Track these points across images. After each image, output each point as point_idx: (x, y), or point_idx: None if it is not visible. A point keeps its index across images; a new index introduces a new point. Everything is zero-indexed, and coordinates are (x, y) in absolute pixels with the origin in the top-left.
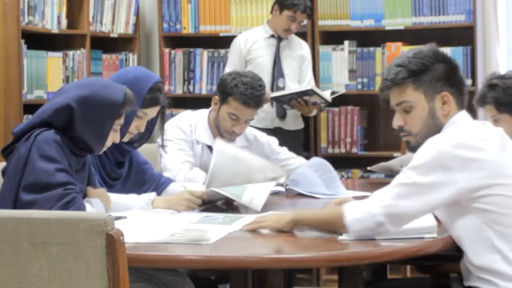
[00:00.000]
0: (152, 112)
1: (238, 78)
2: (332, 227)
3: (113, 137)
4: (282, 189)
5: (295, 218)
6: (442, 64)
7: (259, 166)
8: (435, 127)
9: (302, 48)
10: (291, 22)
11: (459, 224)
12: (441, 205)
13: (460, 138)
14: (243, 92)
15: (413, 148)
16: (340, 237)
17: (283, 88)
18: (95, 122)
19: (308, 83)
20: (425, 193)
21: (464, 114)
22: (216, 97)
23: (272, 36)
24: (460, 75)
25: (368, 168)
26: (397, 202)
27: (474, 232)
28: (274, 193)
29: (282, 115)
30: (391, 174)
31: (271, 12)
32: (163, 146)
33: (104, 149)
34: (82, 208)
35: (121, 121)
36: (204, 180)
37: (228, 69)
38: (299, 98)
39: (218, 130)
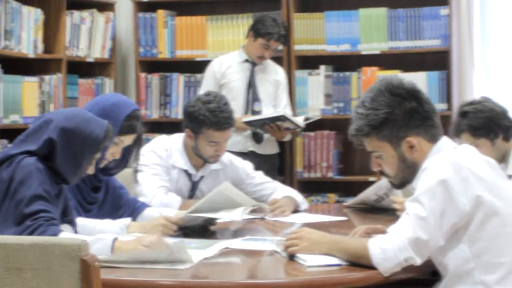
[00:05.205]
0: (128, 139)
1: (203, 107)
2: (363, 262)
3: (88, 169)
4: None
5: (330, 248)
6: (401, 106)
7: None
8: (409, 169)
9: (278, 73)
10: (265, 50)
11: (447, 251)
12: (452, 229)
13: (454, 157)
14: (213, 120)
15: (397, 187)
16: (304, 263)
17: (259, 112)
18: (74, 156)
19: (284, 107)
20: (438, 221)
21: (445, 142)
22: (188, 130)
23: (247, 60)
24: (424, 109)
25: (345, 205)
26: (420, 234)
27: (460, 261)
28: (250, 220)
29: (258, 138)
30: (366, 206)
31: (247, 36)
32: (137, 171)
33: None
34: (46, 233)
35: (98, 155)
36: (179, 206)
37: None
38: (272, 124)
39: (201, 158)
